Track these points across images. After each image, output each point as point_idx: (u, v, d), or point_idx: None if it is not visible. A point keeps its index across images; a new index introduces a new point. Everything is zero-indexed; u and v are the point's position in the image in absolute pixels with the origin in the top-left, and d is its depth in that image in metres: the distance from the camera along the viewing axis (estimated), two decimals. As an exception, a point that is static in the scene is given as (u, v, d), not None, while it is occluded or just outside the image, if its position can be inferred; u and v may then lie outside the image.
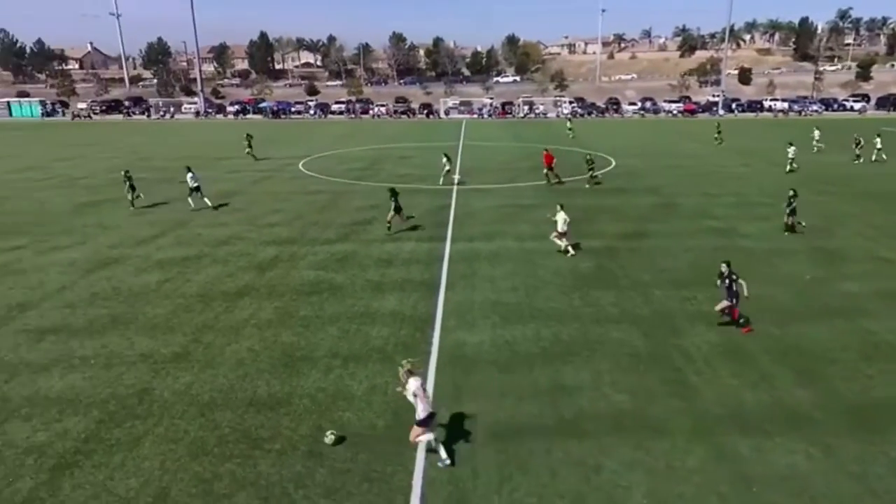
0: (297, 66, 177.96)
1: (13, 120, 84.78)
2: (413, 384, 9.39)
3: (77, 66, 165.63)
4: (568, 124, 60.19)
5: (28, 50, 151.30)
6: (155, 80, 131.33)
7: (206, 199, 27.41)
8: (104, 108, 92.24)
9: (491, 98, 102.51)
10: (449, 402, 11.28)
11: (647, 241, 21.78)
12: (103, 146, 52.58)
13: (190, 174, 27.22)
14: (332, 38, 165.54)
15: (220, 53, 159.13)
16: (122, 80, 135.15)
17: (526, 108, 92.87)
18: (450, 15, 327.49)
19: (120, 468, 9.56)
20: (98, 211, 27.38)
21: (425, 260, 19.73)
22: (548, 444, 10.15)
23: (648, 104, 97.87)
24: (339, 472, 9.50)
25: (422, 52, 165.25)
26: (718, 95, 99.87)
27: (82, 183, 34.54)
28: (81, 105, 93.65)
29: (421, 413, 9.48)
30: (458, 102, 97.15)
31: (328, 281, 17.82)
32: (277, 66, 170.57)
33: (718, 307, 14.34)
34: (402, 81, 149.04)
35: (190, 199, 27.33)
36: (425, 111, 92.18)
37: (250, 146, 43.18)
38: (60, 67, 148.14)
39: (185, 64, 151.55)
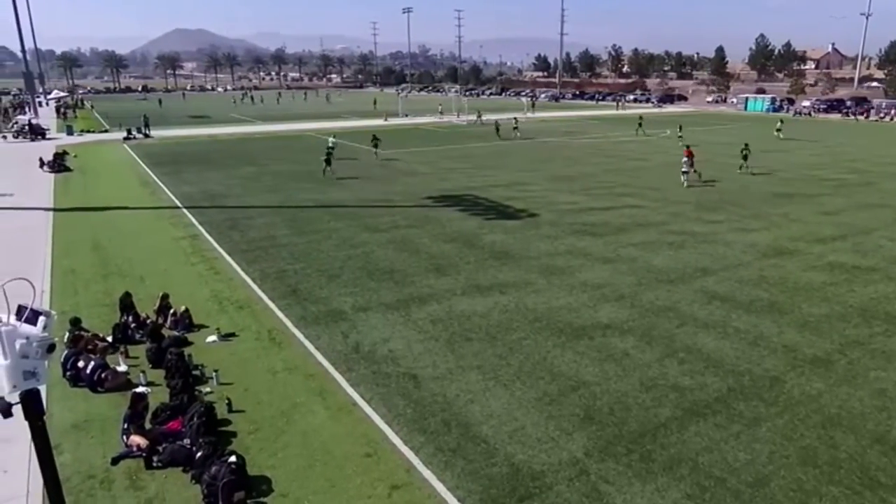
0: None
1: (746, 113, 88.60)
2: None
3: (814, 66, 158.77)
4: None
5: (776, 52, 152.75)
6: (885, 81, 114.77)
7: None
8: (825, 106, 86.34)
9: None
10: None
11: None
12: (809, 142, 49.86)
13: None
14: None
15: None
16: (851, 79, 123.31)
17: None
18: None
19: (734, 438, 9.53)
20: (787, 203, 26.47)
21: None
22: None
23: None
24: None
25: None
26: None
27: (780, 175, 33.79)
28: (805, 103, 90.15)
29: None
30: None
31: None
32: None
33: None
34: None
35: None
36: None
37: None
38: (798, 67, 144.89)
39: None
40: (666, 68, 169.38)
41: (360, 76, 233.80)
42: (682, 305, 14.88)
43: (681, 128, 53.32)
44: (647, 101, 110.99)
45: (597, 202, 26.69)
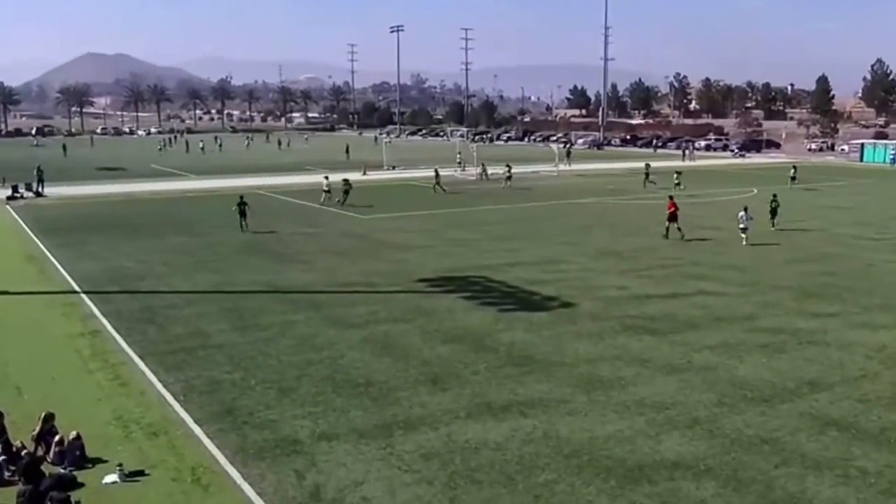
0: None
1: (863, 165, 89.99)
2: None
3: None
4: None
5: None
6: None
7: None
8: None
9: None
10: None
11: None
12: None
13: None
14: None
15: None
16: None
17: None
18: None
19: None
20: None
21: None
22: None
23: None
24: None
25: None
26: None
27: (919, 250, 34.12)
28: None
29: None
30: None
31: None
32: None
33: None
34: None
35: None
36: None
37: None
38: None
39: None
40: (749, 104, 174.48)
41: (331, 114, 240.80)
42: (783, 435, 14.64)
43: (678, 174, 58.41)
44: (725, 148, 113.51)
45: (657, 287, 26.83)
